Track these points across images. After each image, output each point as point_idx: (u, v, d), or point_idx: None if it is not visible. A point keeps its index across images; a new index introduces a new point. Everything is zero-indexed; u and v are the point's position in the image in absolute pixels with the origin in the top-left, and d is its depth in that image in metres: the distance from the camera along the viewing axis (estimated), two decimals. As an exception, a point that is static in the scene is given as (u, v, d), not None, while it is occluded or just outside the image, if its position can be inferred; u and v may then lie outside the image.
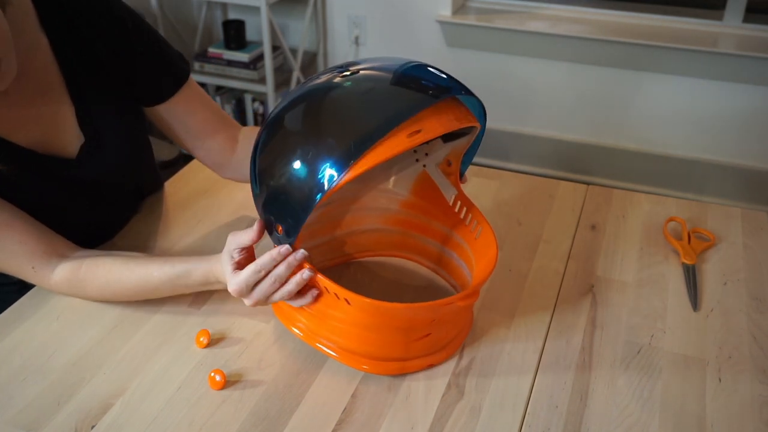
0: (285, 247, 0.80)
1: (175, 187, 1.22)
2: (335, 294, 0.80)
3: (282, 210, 0.79)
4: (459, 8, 2.64)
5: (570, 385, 0.84)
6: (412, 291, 1.00)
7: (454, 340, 0.89)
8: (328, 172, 0.73)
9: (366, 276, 1.02)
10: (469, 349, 0.89)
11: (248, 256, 0.84)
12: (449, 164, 0.95)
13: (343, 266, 1.04)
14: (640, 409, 0.81)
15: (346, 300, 0.79)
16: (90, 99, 0.95)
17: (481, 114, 0.86)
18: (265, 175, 0.80)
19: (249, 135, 1.09)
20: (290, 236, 0.79)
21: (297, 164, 0.76)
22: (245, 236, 0.83)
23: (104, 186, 1.02)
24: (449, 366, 0.86)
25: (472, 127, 0.86)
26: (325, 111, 0.78)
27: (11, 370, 0.86)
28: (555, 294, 0.98)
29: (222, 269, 0.85)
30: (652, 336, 0.91)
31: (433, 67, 0.82)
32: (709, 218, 1.14)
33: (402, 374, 0.85)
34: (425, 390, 0.83)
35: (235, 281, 0.82)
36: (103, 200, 1.04)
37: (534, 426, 0.79)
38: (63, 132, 0.94)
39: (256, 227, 0.82)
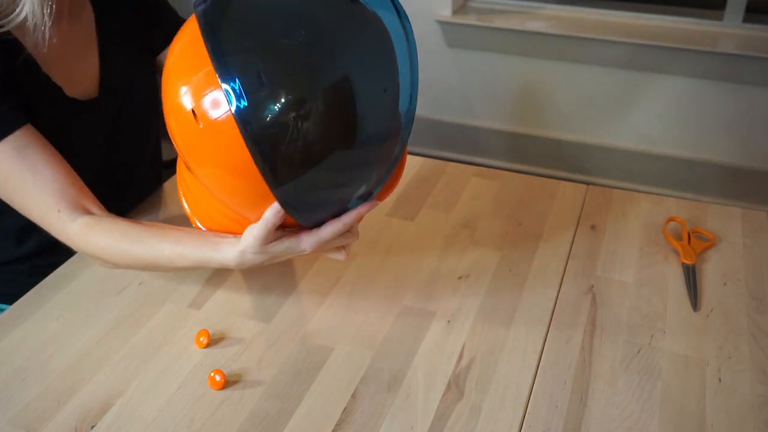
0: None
1: (174, 185, 1.22)
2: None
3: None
4: (459, 8, 2.64)
5: (570, 385, 0.84)
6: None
7: None
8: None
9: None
10: (469, 349, 0.89)
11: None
12: None
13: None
14: (640, 409, 0.81)
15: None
16: (115, 46, 1.08)
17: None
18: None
19: None
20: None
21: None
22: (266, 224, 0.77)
23: (125, 130, 1.08)
24: (449, 366, 0.86)
25: None
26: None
27: (11, 370, 0.86)
28: (555, 294, 0.98)
29: (237, 253, 0.80)
30: (652, 336, 0.91)
31: None
32: (709, 218, 1.14)
33: None
34: (425, 390, 0.83)
35: (314, 240, 0.78)
36: (119, 148, 1.10)
37: (534, 426, 0.79)
38: (86, 76, 1.04)
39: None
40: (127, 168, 1.15)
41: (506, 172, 1.26)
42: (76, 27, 1.03)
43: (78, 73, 1.04)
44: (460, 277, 1.00)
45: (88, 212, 0.93)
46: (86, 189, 0.95)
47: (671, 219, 1.12)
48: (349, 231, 0.81)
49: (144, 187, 1.19)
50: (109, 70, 1.07)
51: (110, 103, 1.07)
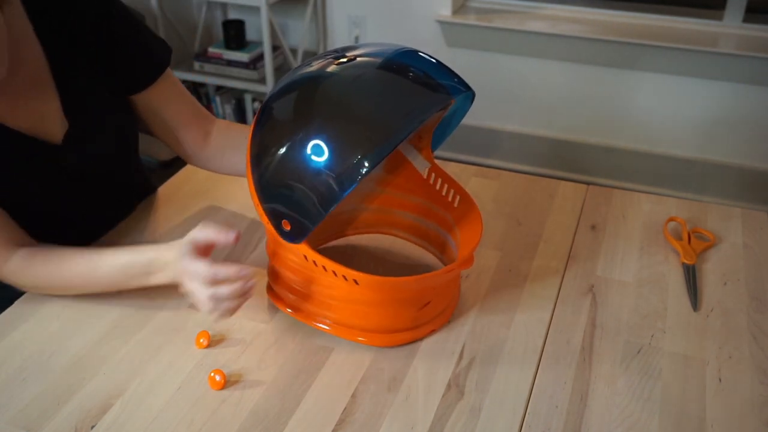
0: (246, 272, 0.81)
1: (171, 188, 1.22)
2: (343, 276, 0.82)
3: (294, 206, 0.79)
4: (459, 8, 2.64)
5: (570, 385, 0.84)
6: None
7: (448, 306, 0.93)
8: (351, 171, 0.74)
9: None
10: (469, 349, 0.89)
11: (207, 247, 0.86)
12: (420, 139, 0.98)
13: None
14: (640, 409, 0.81)
15: (355, 281, 0.82)
16: (77, 89, 0.96)
17: (456, 90, 0.85)
18: (272, 164, 0.79)
19: (223, 130, 1.10)
20: (298, 236, 0.81)
21: (318, 158, 0.76)
22: (209, 233, 0.84)
23: (89, 177, 1.02)
24: (449, 366, 0.86)
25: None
26: (344, 103, 0.78)
27: (11, 370, 0.86)
28: (555, 294, 0.98)
29: (176, 251, 0.86)
30: (652, 336, 0.91)
31: (425, 55, 0.85)
32: (709, 218, 1.14)
33: (413, 341, 0.89)
34: (425, 390, 0.83)
35: (186, 264, 0.83)
36: (88, 192, 1.03)
37: (534, 426, 0.79)
38: (49, 121, 0.94)
39: (222, 235, 0.83)
40: (106, 201, 1.09)
41: (506, 172, 1.26)
42: (17, 66, 0.90)
43: (40, 122, 0.94)
44: (460, 277, 1.00)
45: (22, 245, 0.93)
46: (18, 228, 0.94)
47: (671, 219, 1.12)
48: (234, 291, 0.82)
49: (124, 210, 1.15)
50: (74, 119, 0.96)
51: (77, 149, 0.97)
